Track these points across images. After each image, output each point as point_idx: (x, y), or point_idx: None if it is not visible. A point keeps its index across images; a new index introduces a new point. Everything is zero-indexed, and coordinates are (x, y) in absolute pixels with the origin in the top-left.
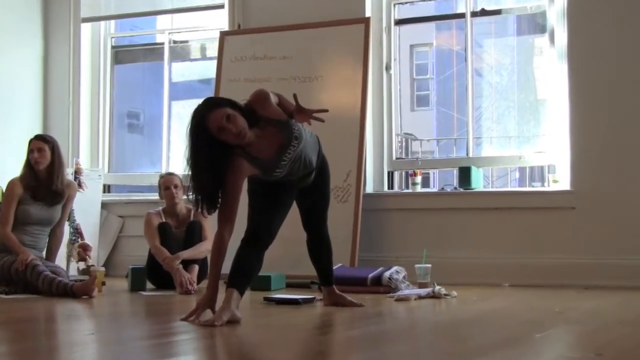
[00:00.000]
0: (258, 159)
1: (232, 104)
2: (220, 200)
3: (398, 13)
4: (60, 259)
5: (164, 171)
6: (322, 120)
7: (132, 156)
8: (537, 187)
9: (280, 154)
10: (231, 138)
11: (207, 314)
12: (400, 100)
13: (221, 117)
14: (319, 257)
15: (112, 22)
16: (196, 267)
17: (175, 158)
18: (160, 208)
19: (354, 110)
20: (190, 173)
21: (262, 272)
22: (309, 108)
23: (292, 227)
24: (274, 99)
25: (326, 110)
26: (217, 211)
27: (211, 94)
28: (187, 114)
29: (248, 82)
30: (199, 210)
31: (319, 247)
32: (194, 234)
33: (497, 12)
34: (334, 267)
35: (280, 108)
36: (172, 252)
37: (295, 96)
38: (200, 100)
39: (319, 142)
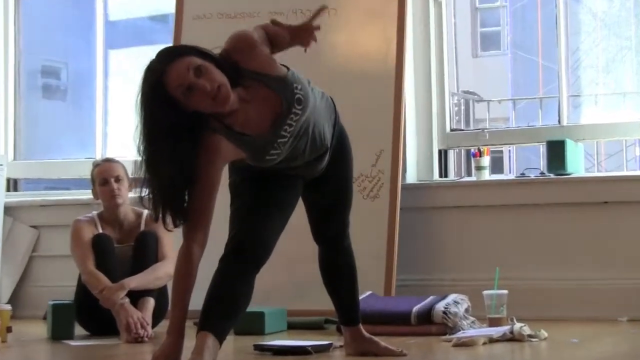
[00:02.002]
0: (244, 136)
1: (200, 52)
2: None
3: None
4: None
5: (99, 156)
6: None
7: (50, 135)
8: None
9: (276, 126)
10: (205, 102)
11: None
12: (455, 43)
13: (186, 69)
14: (338, 282)
15: None
16: (151, 302)
17: (117, 136)
18: (95, 213)
19: (385, 59)
20: (143, 162)
21: (252, 307)
22: (304, 23)
23: (296, 237)
24: (262, 42)
25: (324, 8)
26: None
27: (169, 39)
28: (134, 69)
29: (225, 20)
30: (160, 220)
31: (337, 267)
32: (146, 250)
33: None
34: (361, 297)
35: (274, 50)
36: (114, 279)
37: (274, 22)
38: (152, 49)
39: (334, 108)
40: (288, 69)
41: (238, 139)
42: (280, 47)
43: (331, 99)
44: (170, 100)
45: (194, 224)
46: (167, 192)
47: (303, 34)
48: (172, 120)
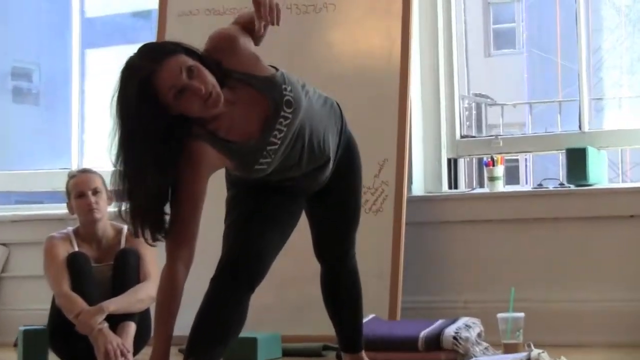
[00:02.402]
0: (230, 143)
1: (187, 50)
2: (170, 213)
3: None
4: None
5: (75, 167)
6: None
7: (21, 143)
8: None
9: (265, 131)
10: (196, 105)
11: None
12: (466, 41)
13: (179, 70)
14: (341, 304)
15: None
16: (132, 326)
17: (95, 144)
18: (71, 229)
19: (389, 59)
20: (125, 171)
21: (243, 332)
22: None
23: (292, 255)
24: (243, 39)
25: None
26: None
27: (151, 37)
28: (113, 70)
29: (212, 17)
30: (140, 235)
31: (340, 288)
32: (126, 270)
33: None
34: (364, 321)
35: (256, 41)
36: (91, 301)
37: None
38: (134, 48)
39: (341, 114)
40: (277, 69)
41: (223, 145)
42: (259, 34)
43: (337, 104)
44: (158, 103)
45: (178, 240)
46: (151, 204)
47: (264, 12)
48: (160, 125)
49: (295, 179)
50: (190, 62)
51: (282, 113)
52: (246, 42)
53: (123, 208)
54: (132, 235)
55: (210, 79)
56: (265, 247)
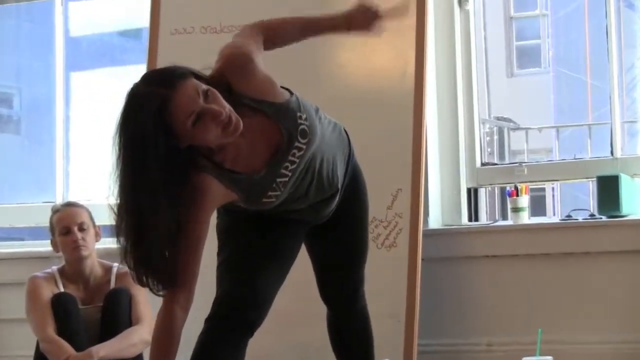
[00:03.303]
0: (235, 174)
1: (196, 75)
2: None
3: None
4: None
5: (60, 200)
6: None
7: (1, 174)
8: None
9: (275, 163)
10: (213, 132)
11: None
12: (487, 60)
13: (196, 93)
14: (349, 350)
15: None
16: None
17: (81, 175)
18: (56, 268)
19: (402, 79)
20: (132, 209)
21: None
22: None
23: (296, 290)
24: (259, 60)
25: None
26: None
27: (142, 58)
28: (101, 94)
29: (209, 35)
30: (150, 286)
31: (348, 332)
32: (117, 312)
33: None
34: None
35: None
36: (79, 347)
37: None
38: (123, 70)
39: (348, 141)
40: (291, 93)
41: (230, 178)
42: (287, 40)
43: (345, 130)
44: (172, 132)
45: (177, 282)
46: (163, 246)
47: (360, 17)
48: (175, 157)
49: (299, 211)
50: (204, 85)
51: (296, 144)
52: (261, 64)
53: (125, 249)
54: (123, 274)
55: (225, 103)
56: (265, 285)
